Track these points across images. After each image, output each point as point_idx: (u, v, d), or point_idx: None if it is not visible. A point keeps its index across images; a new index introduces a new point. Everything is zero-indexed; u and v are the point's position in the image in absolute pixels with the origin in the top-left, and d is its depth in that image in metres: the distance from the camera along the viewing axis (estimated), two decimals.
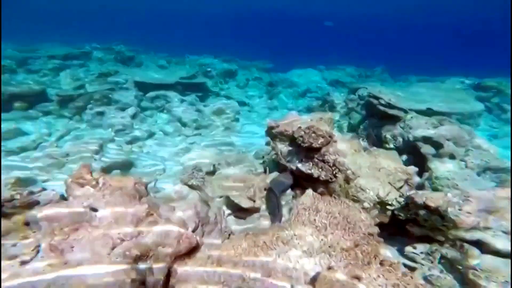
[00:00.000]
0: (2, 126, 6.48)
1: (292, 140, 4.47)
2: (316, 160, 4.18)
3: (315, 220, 2.58)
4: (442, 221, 3.09)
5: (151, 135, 7.85)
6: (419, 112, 6.26)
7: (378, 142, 6.03)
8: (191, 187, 4.97)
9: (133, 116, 7.85)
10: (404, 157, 5.52)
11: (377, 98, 6.55)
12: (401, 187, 3.94)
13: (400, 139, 5.44)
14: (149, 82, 9.24)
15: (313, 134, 3.96)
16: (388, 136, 5.64)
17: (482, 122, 7.87)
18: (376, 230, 2.46)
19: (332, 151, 4.18)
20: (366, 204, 3.92)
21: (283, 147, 4.71)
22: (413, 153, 5.35)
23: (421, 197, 3.33)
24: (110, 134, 6.92)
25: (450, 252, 3.06)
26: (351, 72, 19.31)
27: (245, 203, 4.00)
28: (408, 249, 3.44)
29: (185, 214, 3.17)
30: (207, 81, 11.25)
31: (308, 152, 4.26)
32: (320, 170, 4.09)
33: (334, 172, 4.06)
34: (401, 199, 3.74)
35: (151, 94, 9.02)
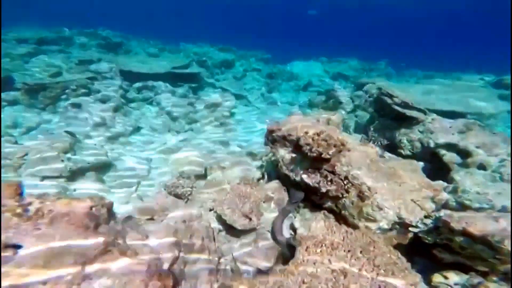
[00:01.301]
0: None
1: (296, 146, 3.77)
2: (325, 171, 3.51)
3: (330, 261, 1.93)
4: (493, 253, 2.46)
5: (136, 130, 7.05)
6: (437, 113, 5.60)
7: (391, 147, 5.35)
8: (177, 196, 4.29)
9: (116, 109, 7.02)
10: (421, 164, 4.87)
11: (390, 96, 5.83)
12: (426, 205, 3.29)
13: (418, 145, 4.78)
14: (137, 71, 8.35)
15: (323, 142, 3.26)
16: (405, 141, 4.98)
17: (501, 122, 7.24)
18: (417, 279, 1.83)
19: (345, 162, 3.50)
20: (382, 224, 3.28)
21: (285, 154, 4.02)
22: (432, 162, 4.71)
23: (458, 221, 2.69)
24: (87, 129, 6.10)
25: None
26: (355, 66, 18.51)
27: (239, 223, 3.34)
28: (437, 279, 2.80)
29: (161, 243, 2.50)
30: (202, 72, 10.39)
31: (316, 162, 3.58)
32: (330, 184, 3.42)
33: (346, 187, 3.39)
34: (428, 220, 3.10)
35: (138, 84, 8.16)
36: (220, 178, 5.13)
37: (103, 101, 7.07)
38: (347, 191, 3.43)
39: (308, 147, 3.30)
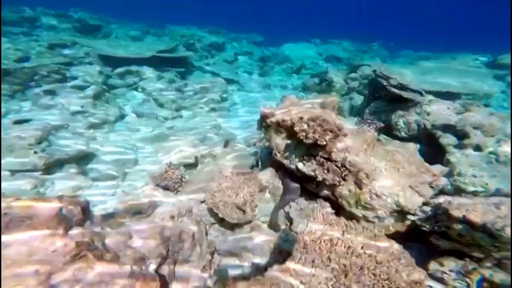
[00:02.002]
0: None
1: (291, 133, 3.55)
2: (321, 158, 3.32)
3: (329, 259, 1.77)
4: (492, 241, 2.37)
5: (120, 117, 6.63)
6: (432, 94, 5.43)
7: (387, 129, 5.21)
8: (166, 188, 4.07)
9: (97, 96, 6.53)
10: (417, 147, 4.75)
11: (386, 77, 5.61)
12: (425, 192, 3.18)
13: (415, 127, 4.63)
14: (119, 56, 7.77)
15: (318, 128, 3.04)
16: (401, 123, 4.82)
17: (494, 102, 7.16)
18: (423, 275, 1.70)
19: (341, 148, 3.31)
20: (380, 213, 3.17)
21: (280, 141, 3.80)
22: (428, 144, 4.59)
23: (458, 209, 2.58)
24: (64, 117, 5.66)
25: (496, 274, 2.37)
26: (348, 47, 18.08)
27: (233, 216, 3.16)
28: (434, 266, 2.74)
29: (147, 243, 2.30)
30: (190, 55, 9.84)
31: (311, 148, 3.38)
32: (326, 172, 3.25)
33: (343, 175, 3.23)
34: (427, 208, 3.00)
35: (121, 69, 7.63)
36: (212, 167, 4.92)
37: (82, 87, 6.57)
38: (344, 179, 3.27)
39: (303, 134, 3.09)
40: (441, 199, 2.84)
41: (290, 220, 3.56)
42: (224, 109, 8.19)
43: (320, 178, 3.28)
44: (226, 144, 5.19)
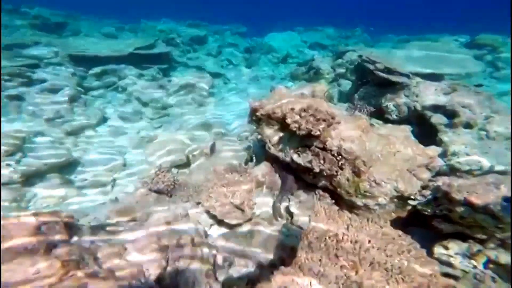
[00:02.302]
0: None
1: (283, 125, 3.45)
2: (316, 149, 3.24)
3: (337, 256, 1.71)
4: (495, 222, 2.38)
5: (102, 121, 6.32)
6: (418, 76, 5.44)
7: (377, 113, 5.19)
8: (159, 192, 3.91)
9: (72, 99, 6.14)
10: (403, 126, 4.76)
11: (373, 62, 5.56)
12: (422, 175, 3.17)
13: (405, 109, 4.63)
14: (93, 55, 7.28)
15: (311, 118, 2.95)
16: (391, 106, 4.81)
17: (475, 80, 7.30)
18: (436, 266, 1.65)
19: (335, 135, 3.24)
20: (381, 200, 3.15)
21: (272, 133, 3.69)
22: (419, 124, 4.60)
23: (459, 191, 2.57)
24: (38, 124, 5.29)
25: (501, 255, 2.39)
26: (331, 34, 17.98)
27: (231, 216, 3.05)
28: (439, 250, 2.74)
29: (144, 254, 2.17)
30: (171, 51, 9.44)
31: (305, 139, 3.29)
32: (322, 162, 3.18)
33: (340, 164, 3.17)
34: (426, 192, 2.99)
35: (97, 69, 7.19)
36: (205, 166, 4.77)
37: (53, 91, 6.11)
38: (341, 168, 3.21)
39: (295, 125, 2.98)
40: (440, 182, 2.83)
41: (290, 214, 3.51)
42: (212, 104, 7.98)
43: (317, 169, 3.21)
44: (212, 148, 5.02)
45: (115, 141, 5.77)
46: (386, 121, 4.98)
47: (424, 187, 3.03)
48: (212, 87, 8.79)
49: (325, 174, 3.18)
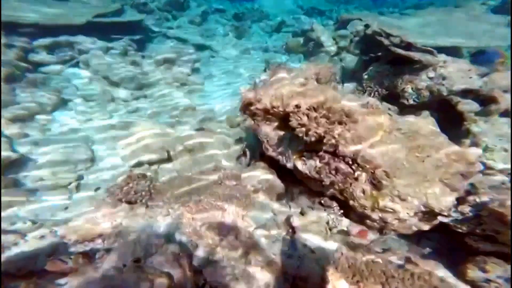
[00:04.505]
0: None
1: (284, 121, 2.69)
2: (325, 154, 2.55)
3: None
4: None
5: (61, 105, 5.22)
6: (438, 50, 4.61)
7: (391, 96, 4.45)
8: (130, 203, 3.21)
9: (11, 78, 4.94)
10: (426, 114, 4.08)
11: (387, 35, 4.64)
12: (458, 185, 2.57)
13: (427, 94, 3.90)
14: (35, 22, 5.78)
15: (323, 120, 2.19)
16: (409, 89, 4.05)
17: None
18: None
19: (350, 138, 2.53)
20: (403, 215, 2.58)
21: (270, 131, 2.94)
22: (440, 110, 3.92)
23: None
24: None
25: None
26: None
27: (225, 243, 2.42)
28: (476, 273, 2.25)
29: None
30: (144, 18, 8.01)
31: (312, 142, 2.57)
32: (334, 173, 2.50)
33: (355, 175, 2.51)
34: (465, 208, 2.41)
35: (45, 41, 5.83)
36: (189, 166, 4.04)
37: None
38: (357, 179, 2.57)
39: (302, 129, 2.24)
40: (485, 197, 2.24)
41: (292, 228, 2.94)
42: (197, 83, 6.97)
43: (327, 182, 2.55)
44: (204, 133, 4.23)
45: (79, 129, 4.86)
46: (401, 106, 4.26)
47: (461, 200, 2.44)
48: (196, 61, 7.69)
49: (337, 188, 2.53)
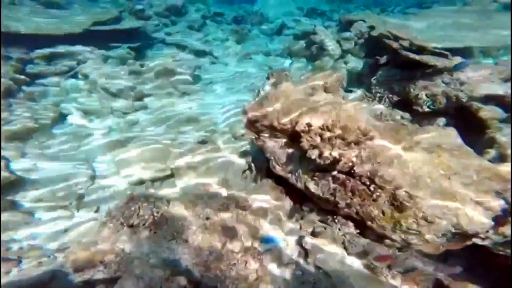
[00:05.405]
0: None
1: (293, 137, 2.47)
2: (340, 175, 2.32)
3: None
4: None
5: (59, 119, 5.03)
6: (448, 51, 4.36)
7: (403, 102, 4.21)
8: (133, 226, 3.01)
9: (7, 92, 4.77)
10: (441, 122, 3.84)
11: (396, 38, 4.42)
12: (493, 204, 2.33)
13: (443, 100, 3.66)
14: (34, 32, 5.65)
15: (337, 141, 1.98)
16: (423, 96, 3.81)
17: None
18: None
19: (366, 156, 2.31)
20: (430, 237, 2.34)
21: (277, 148, 2.72)
22: (458, 117, 3.67)
23: None
24: None
25: None
26: None
27: (231, 280, 2.21)
28: None
29: None
30: (142, 25, 7.83)
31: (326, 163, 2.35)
32: (350, 195, 2.28)
33: (374, 196, 2.29)
34: (506, 230, 2.17)
35: (42, 52, 5.66)
36: (192, 182, 3.84)
37: None
38: (376, 200, 2.34)
39: (315, 151, 2.02)
40: None
41: (305, 251, 2.73)
42: (198, 91, 6.79)
43: (342, 205, 2.33)
44: (208, 148, 4.04)
45: (78, 145, 4.68)
46: (415, 114, 4.02)
47: (500, 221, 2.20)
48: (197, 69, 7.51)
49: (355, 211, 2.31)
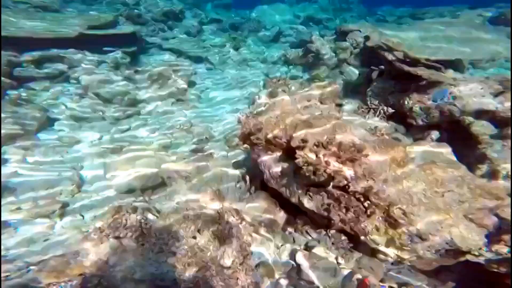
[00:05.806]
0: None
1: (287, 152, 2.44)
2: (335, 191, 2.29)
3: None
4: None
5: (47, 124, 4.90)
6: (440, 63, 4.42)
7: (398, 115, 4.23)
8: (119, 238, 2.91)
9: None
10: (436, 135, 3.85)
11: (390, 49, 4.46)
12: (487, 221, 2.32)
13: (437, 114, 3.68)
14: (27, 35, 5.52)
15: (332, 159, 1.95)
16: (417, 109, 3.84)
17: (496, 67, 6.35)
18: None
19: (362, 173, 2.28)
20: (423, 253, 2.31)
21: (272, 162, 2.68)
22: (451, 131, 3.70)
23: None
24: None
25: None
26: (325, 6, 16.25)
27: None
28: None
29: None
30: (138, 30, 7.78)
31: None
32: (344, 211, 2.25)
33: (368, 212, 2.26)
34: (502, 248, 2.16)
35: (33, 54, 5.54)
36: (184, 193, 3.76)
37: None
38: (370, 216, 2.31)
39: (310, 168, 1.99)
40: None
41: (297, 265, 2.67)
42: (194, 98, 6.74)
43: (336, 220, 2.29)
44: (201, 158, 3.97)
45: (66, 152, 4.55)
46: (409, 126, 4.05)
47: (493, 239, 2.18)
48: (192, 75, 7.46)
49: (349, 227, 2.28)
